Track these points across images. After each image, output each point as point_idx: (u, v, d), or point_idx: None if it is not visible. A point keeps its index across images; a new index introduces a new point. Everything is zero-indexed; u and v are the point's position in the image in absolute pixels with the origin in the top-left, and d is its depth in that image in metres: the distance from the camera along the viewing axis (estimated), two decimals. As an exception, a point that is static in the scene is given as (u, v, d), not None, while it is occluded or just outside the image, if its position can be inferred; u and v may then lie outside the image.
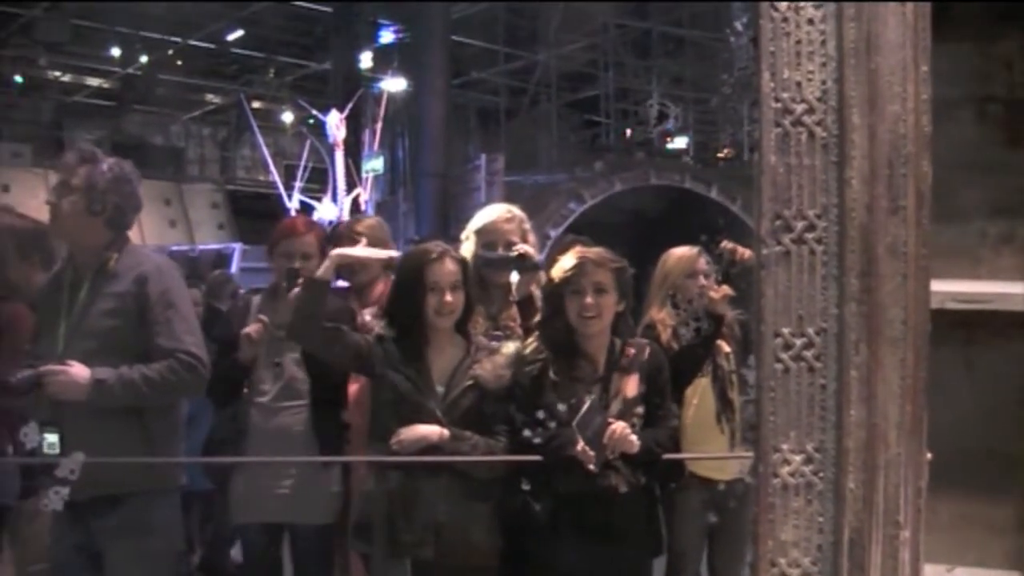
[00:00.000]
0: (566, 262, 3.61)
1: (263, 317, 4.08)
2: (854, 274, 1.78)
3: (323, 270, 3.66)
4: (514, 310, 3.94)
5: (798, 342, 1.80)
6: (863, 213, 1.78)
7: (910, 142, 1.80)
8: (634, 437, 3.41)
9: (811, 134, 1.81)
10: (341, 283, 4.37)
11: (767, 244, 1.80)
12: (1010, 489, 2.50)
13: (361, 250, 3.97)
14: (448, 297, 3.60)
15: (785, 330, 1.80)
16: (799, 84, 1.82)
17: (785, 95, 1.82)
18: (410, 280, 3.66)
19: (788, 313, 1.80)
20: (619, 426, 3.39)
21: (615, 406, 3.51)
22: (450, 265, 3.65)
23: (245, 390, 4.10)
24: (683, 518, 4.25)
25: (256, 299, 4.31)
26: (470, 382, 3.59)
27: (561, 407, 3.48)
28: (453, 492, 3.52)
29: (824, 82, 1.82)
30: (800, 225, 1.80)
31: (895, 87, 1.80)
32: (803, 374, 1.80)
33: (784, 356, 1.80)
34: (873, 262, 1.78)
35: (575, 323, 3.56)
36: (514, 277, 3.87)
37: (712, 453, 4.25)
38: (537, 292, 3.92)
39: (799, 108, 1.82)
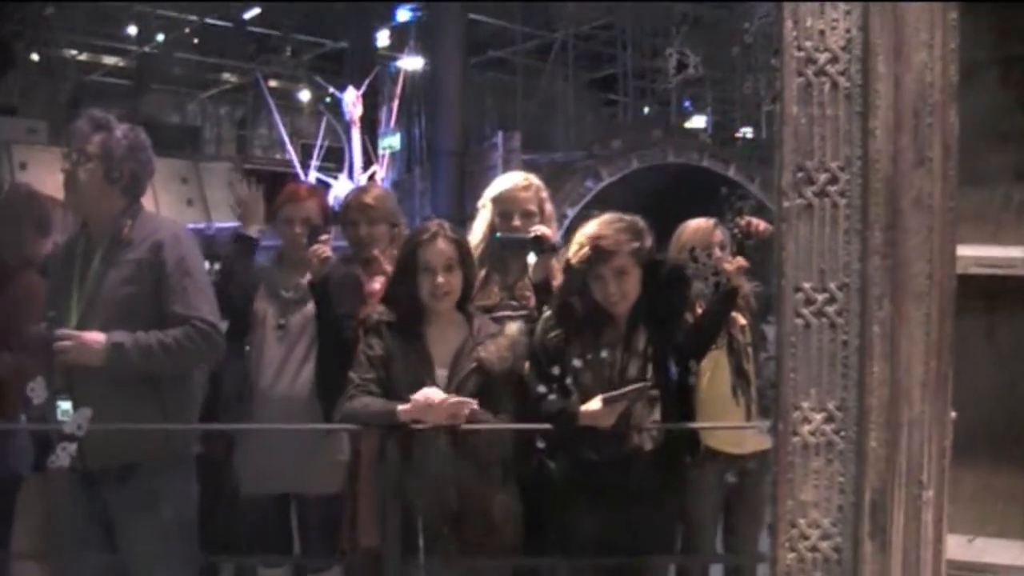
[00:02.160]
0: (583, 240, 3.55)
1: None
2: (878, 227, 1.73)
3: None
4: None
5: (820, 297, 1.75)
6: (887, 165, 1.74)
7: (937, 91, 1.75)
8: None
9: (834, 84, 1.77)
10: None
11: (788, 197, 1.76)
12: (1033, 460, 2.45)
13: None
14: (440, 279, 3.54)
15: (806, 285, 1.75)
16: (822, 32, 1.77)
17: (808, 44, 1.77)
18: (406, 262, 3.62)
19: (809, 268, 1.75)
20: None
21: (634, 366, 3.47)
22: (443, 245, 3.58)
23: (247, 347, 4.07)
24: (698, 492, 4.21)
25: (264, 265, 4.27)
26: (474, 364, 3.55)
27: (577, 363, 3.45)
28: (466, 470, 3.49)
29: (848, 30, 1.77)
30: (822, 177, 1.76)
31: (922, 35, 1.75)
32: (824, 330, 1.75)
33: (805, 312, 1.75)
34: (898, 215, 1.73)
35: (602, 304, 3.51)
36: (531, 259, 3.81)
37: (726, 427, 4.21)
38: (554, 280, 3.86)
39: (822, 57, 1.77)
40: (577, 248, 3.54)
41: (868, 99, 1.75)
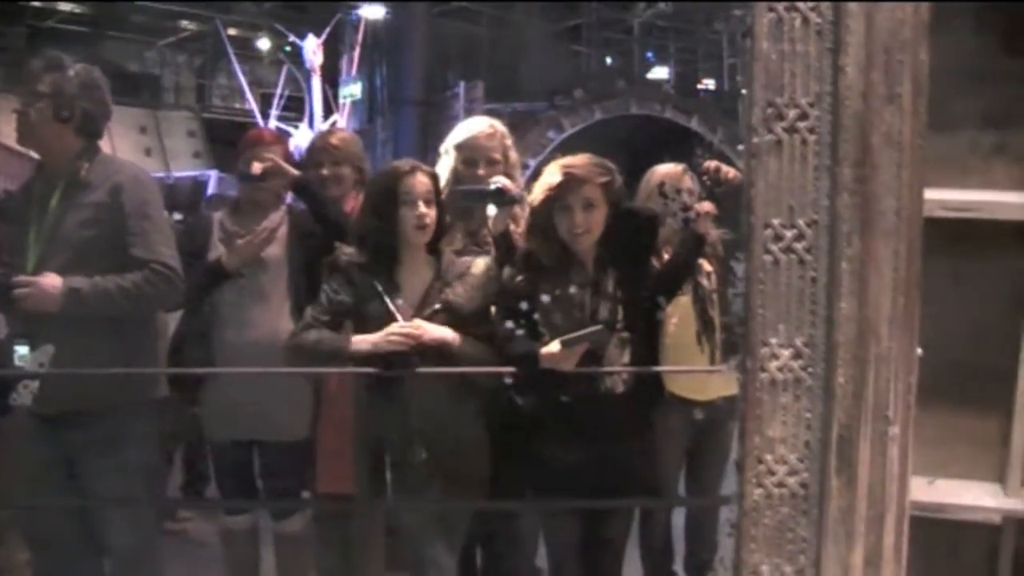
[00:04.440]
0: (551, 177, 3.52)
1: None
2: (847, 164, 1.73)
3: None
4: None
5: (788, 234, 1.75)
6: (858, 101, 1.73)
7: (908, 28, 1.74)
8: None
9: (805, 19, 1.75)
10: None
11: (758, 133, 1.75)
12: (996, 403, 2.47)
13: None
14: (422, 208, 3.52)
15: (775, 221, 1.75)
16: (794, -32, 1.76)
17: (779, -22, 1.76)
18: (382, 196, 3.58)
19: (779, 204, 1.75)
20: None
21: (604, 309, 3.47)
22: (422, 178, 3.56)
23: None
24: (662, 438, 4.23)
25: (218, 215, 4.23)
26: (439, 306, 3.53)
27: (545, 298, 3.45)
28: (434, 406, 3.49)
29: (819, -34, 1.75)
30: (792, 113, 1.75)
31: (893, -29, 1.74)
32: (793, 267, 1.75)
33: (774, 248, 1.75)
34: (867, 151, 1.73)
35: (565, 239, 3.50)
36: (492, 210, 3.78)
37: (693, 371, 4.22)
38: (515, 227, 3.85)
39: (793, -7, 1.76)
40: (544, 187, 3.53)
41: (839, 35, 1.74)
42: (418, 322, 3.43)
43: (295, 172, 4.01)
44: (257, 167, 3.94)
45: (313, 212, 3.99)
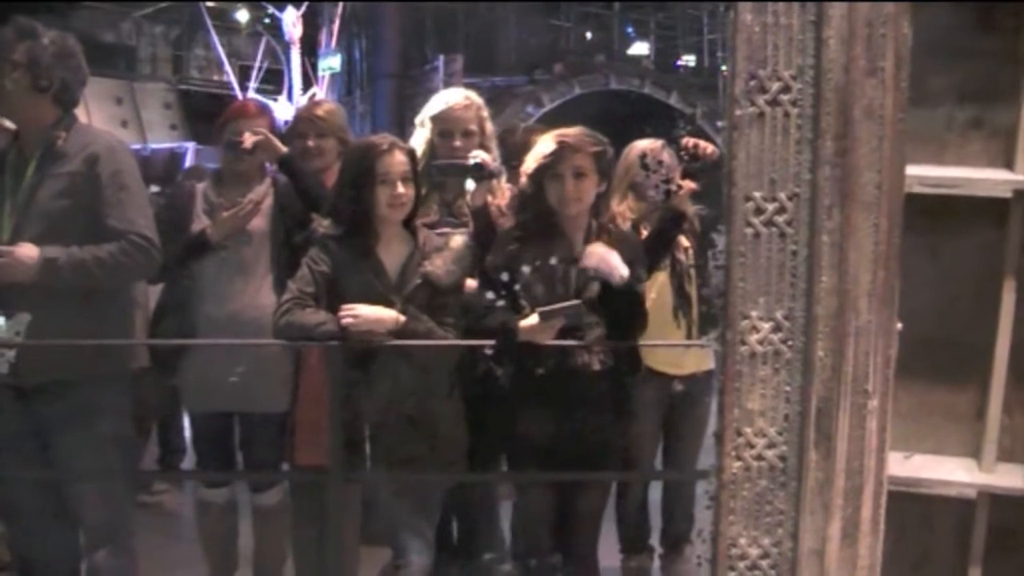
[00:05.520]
0: (544, 146, 3.54)
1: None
2: (829, 137, 1.73)
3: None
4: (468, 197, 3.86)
5: (770, 207, 1.76)
6: (840, 74, 1.73)
7: (890, 2, 1.74)
8: (622, 267, 3.41)
9: (789, -9, 1.75)
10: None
11: (740, 105, 1.75)
12: (970, 378, 2.50)
13: None
14: (400, 188, 3.51)
15: (757, 194, 1.75)
16: (777, -60, 1.75)
17: (763, -49, 1.75)
18: (359, 173, 3.56)
19: (760, 177, 1.75)
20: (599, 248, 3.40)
21: (592, 288, 3.48)
22: (400, 156, 3.54)
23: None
24: (639, 412, 4.24)
25: (201, 185, 4.20)
26: (419, 280, 3.53)
27: (526, 269, 3.45)
28: (410, 380, 3.48)
29: (803, -62, 1.75)
30: (775, 86, 1.75)
31: (877, -56, 1.74)
32: (774, 239, 1.76)
33: (755, 221, 1.76)
34: (849, 124, 1.73)
35: (555, 206, 3.51)
36: (470, 185, 3.77)
37: (671, 345, 4.23)
38: (492, 200, 3.84)
39: (777, -35, 1.75)
40: (538, 155, 3.53)
41: (822, 8, 1.74)
42: (359, 308, 3.42)
43: (283, 148, 3.99)
44: (248, 139, 3.92)
45: (295, 187, 3.98)
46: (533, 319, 3.36)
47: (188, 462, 5.76)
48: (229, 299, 3.98)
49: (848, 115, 1.73)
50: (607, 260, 3.46)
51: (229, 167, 4.15)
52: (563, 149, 3.50)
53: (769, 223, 1.75)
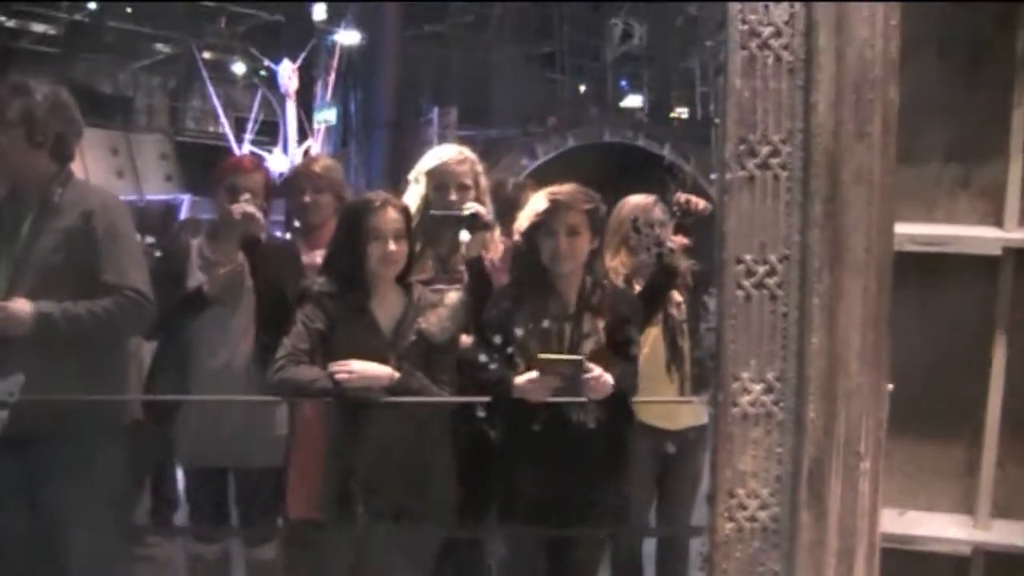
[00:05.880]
0: (538, 204, 3.57)
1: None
2: (818, 200, 1.75)
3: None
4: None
5: (760, 269, 1.77)
6: (828, 138, 1.75)
7: (878, 67, 1.77)
8: (611, 379, 3.40)
9: (778, 58, 1.78)
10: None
11: (731, 169, 1.77)
12: (962, 433, 2.50)
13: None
14: (392, 246, 3.52)
15: (747, 257, 1.77)
16: (766, 7, 1.78)
17: (752, 17, 1.78)
18: (352, 230, 3.58)
19: (751, 239, 1.77)
20: (601, 375, 3.38)
21: (588, 345, 3.49)
22: (393, 214, 3.57)
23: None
24: (632, 467, 4.23)
25: (195, 241, 4.21)
26: (415, 337, 3.54)
27: (519, 331, 3.46)
28: (404, 435, 3.49)
29: (792, 5, 1.78)
30: (765, 150, 1.77)
31: (863, 10, 1.77)
32: (764, 302, 1.77)
33: (746, 283, 1.77)
34: (837, 188, 1.75)
35: (548, 264, 3.53)
36: (464, 236, 3.80)
37: (664, 402, 4.23)
38: (487, 255, 3.86)
39: (766, 31, 1.78)
40: (531, 213, 3.56)
41: (810, 73, 1.77)
42: (353, 363, 3.43)
43: (264, 226, 3.98)
44: (236, 211, 3.90)
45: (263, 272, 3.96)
46: (531, 374, 3.37)
47: (181, 513, 5.73)
48: (223, 354, 3.98)
49: (837, 178, 1.75)
50: None
51: (223, 221, 4.16)
52: (556, 207, 3.52)
53: (760, 285, 1.77)
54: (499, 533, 3.84)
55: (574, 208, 3.53)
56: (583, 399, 3.44)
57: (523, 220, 3.60)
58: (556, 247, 3.51)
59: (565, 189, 3.61)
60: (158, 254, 4.58)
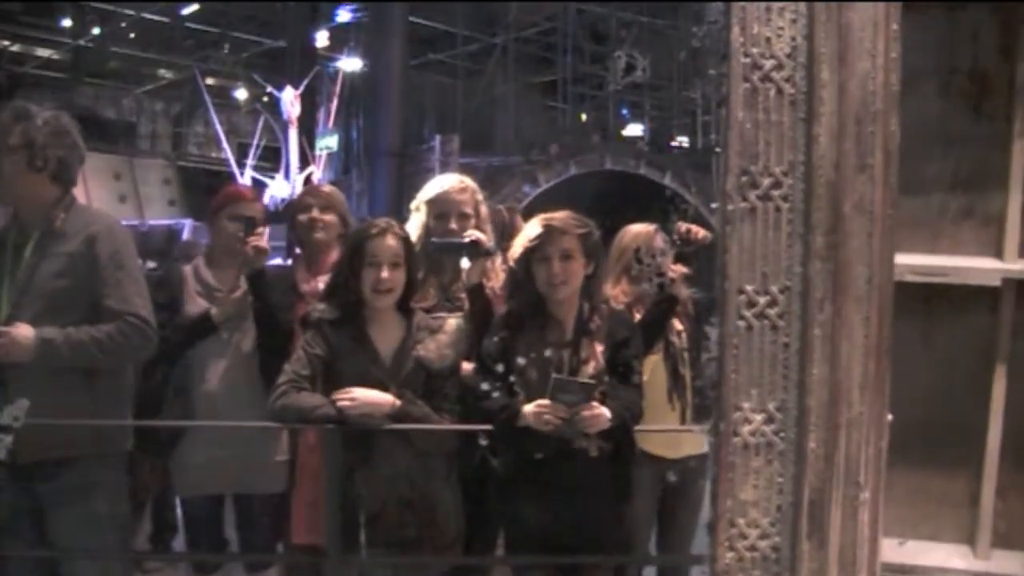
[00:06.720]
0: (531, 230, 3.59)
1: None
2: (820, 231, 1.76)
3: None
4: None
5: (762, 300, 1.78)
6: (830, 170, 1.77)
7: (879, 99, 1.78)
8: (607, 412, 3.40)
9: (779, 90, 1.79)
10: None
11: (732, 200, 1.78)
12: (964, 463, 2.50)
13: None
14: (384, 273, 3.52)
15: (749, 287, 1.78)
16: (768, 40, 1.80)
17: (755, 50, 1.79)
18: (351, 256, 3.60)
19: (752, 270, 1.78)
20: (597, 409, 3.38)
21: (587, 370, 3.50)
22: (391, 241, 3.57)
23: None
24: (633, 495, 4.23)
25: (188, 267, 4.22)
26: (413, 365, 3.54)
27: (520, 360, 3.47)
28: (409, 464, 3.49)
29: (794, 38, 1.79)
30: (767, 182, 1.78)
31: (865, 43, 1.78)
32: (766, 332, 1.78)
33: (747, 314, 1.78)
34: (839, 219, 1.76)
35: (543, 290, 3.54)
36: (465, 263, 3.81)
37: (664, 431, 4.23)
38: (488, 283, 3.87)
39: (768, 64, 1.80)
40: (524, 239, 3.58)
41: (812, 105, 1.78)
42: (355, 391, 3.43)
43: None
44: (250, 247, 3.90)
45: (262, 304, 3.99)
46: (541, 401, 3.37)
47: (181, 537, 5.72)
48: (225, 379, 3.98)
49: (838, 210, 1.76)
50: None
51: (222, 247, 4.17)
52: (549, 232, 3.54)
53: (761, 316, 1.78)
54: (503, 561, 3.84)
55: (567, 233, 3.55)
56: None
57: (517, 247, 3.61)
58: (550, 272, 3.52)
59: (558, 215, 3.64)
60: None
